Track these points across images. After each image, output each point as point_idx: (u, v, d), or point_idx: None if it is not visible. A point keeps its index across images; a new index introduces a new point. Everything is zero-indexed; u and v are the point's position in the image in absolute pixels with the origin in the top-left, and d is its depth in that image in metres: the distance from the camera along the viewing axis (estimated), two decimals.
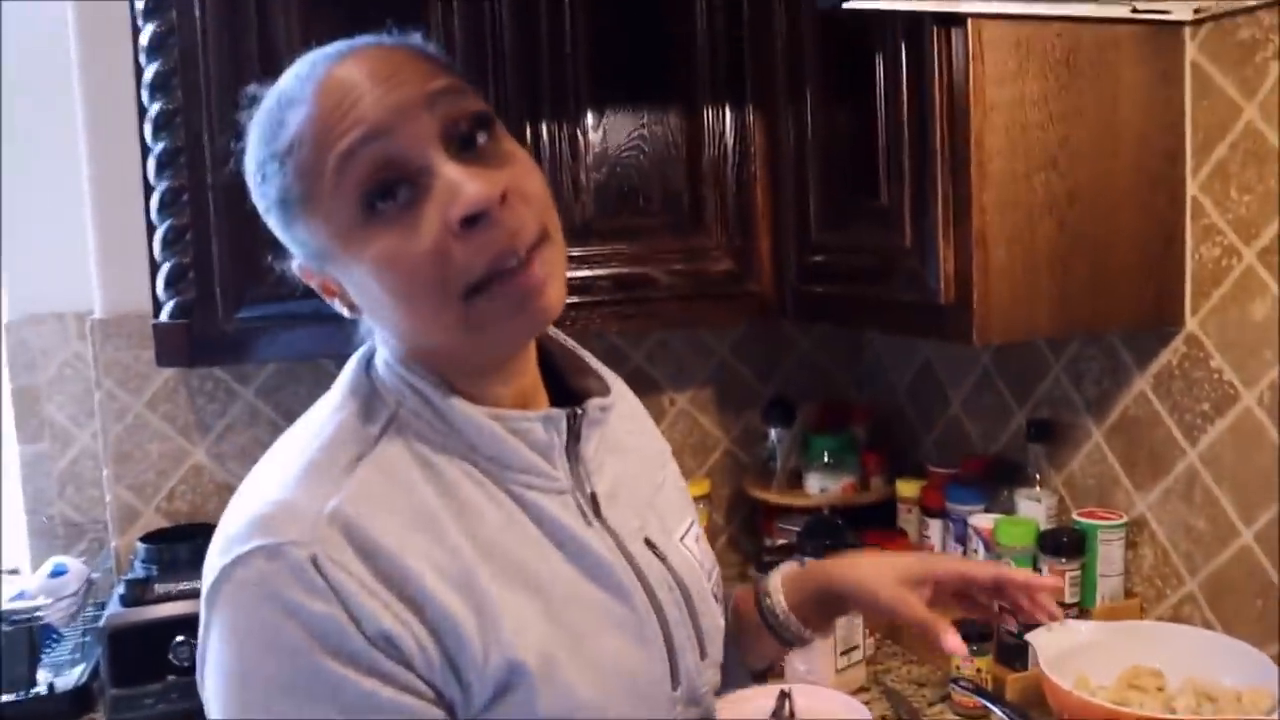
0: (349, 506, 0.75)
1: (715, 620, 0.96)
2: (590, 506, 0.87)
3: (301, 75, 0.78)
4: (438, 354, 0.82)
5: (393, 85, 0.75)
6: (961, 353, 1.98)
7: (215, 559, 0.75)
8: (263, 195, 0.80)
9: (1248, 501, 1.45)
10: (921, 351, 2.10)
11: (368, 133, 0.73)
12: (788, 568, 1.15)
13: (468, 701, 0.77)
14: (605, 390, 0.93)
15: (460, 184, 0.73)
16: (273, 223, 0.82)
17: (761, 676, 1.29)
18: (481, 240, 0.74)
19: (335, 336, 1.58)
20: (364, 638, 0.72)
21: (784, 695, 1.47)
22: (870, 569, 1.05)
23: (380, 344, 0.86)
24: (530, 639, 0.78)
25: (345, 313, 0.85)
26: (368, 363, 0.87)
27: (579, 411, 0.88)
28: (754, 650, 1.13)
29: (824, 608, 1.08)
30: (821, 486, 1.98)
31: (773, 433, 2.12)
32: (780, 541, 1.95)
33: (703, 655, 0.92)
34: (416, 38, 0.82)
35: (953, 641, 0.98)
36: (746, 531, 2.22)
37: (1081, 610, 1.60)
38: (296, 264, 0.84)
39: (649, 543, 0.91)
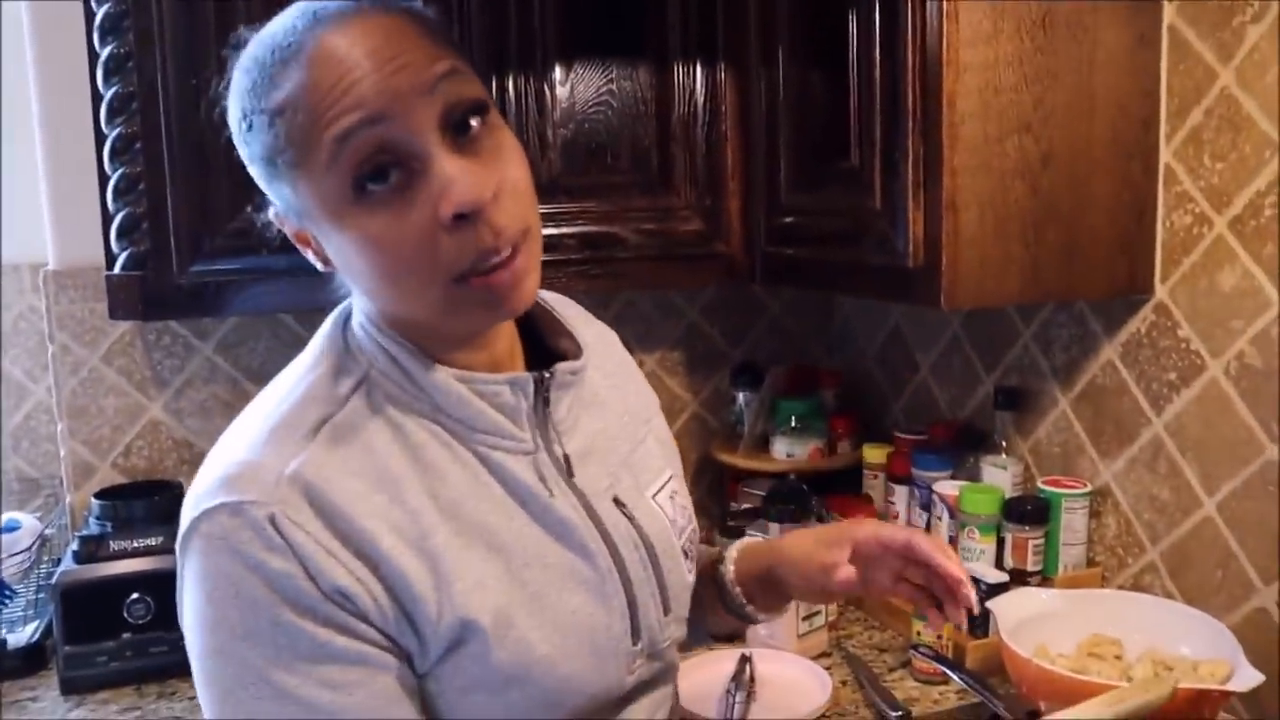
0: (310, 469, 0.78)
1: (682, 577, 0.98)
2: (561, 467, 0.89)
3: (298, 30, 0.76)
4: (413, 322, 0.84)
5: (395, 68, 0.74)
6: (931, 318, 1.97)
7: (186, 512, 0.79)
8: (246, 144, 0.80)
9: (1211, 472, 1.45)
10: (891, 317, 2.09)
11: (366, 117, 0.73)
12: (750, 539, 1.14)
13: (424, 653, 0.80)
14: (578, 352, 0.95)
15: (454, 180, 0.74)
16: (255, 172, 0.82)
17: (728, 640, 1.28)
18: (469, 235, 0.75)
19: (296, 291, 1.58)
20: (320, 592, 0.75)
21: (744, 659, 1.47)
22: (793, 540, 1.10)
23: (355, 303, 0.88)
24: (486, 597, 0.81)
25: (319, 265, 0.85)
26: (345, 323, 0.89)
27: (547, 375, 0.89)
28: (712, 616, 1.13)
29: (767, 586, 1.10)
30: (788, 451, 1.97)
31: (740, 396, 2.11)
32: (745, 506, 1.94)
33: (666, 611, 0.94)
34: (418, 3, 0.81)
35: (843, 574, 1.01)
36: (713, 495, 2.21)
37: (1044, 579, 1.60)
38: (271, 211, 0.85)
39: (617, 501, 0.93)
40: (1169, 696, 1.10)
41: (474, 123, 0.77)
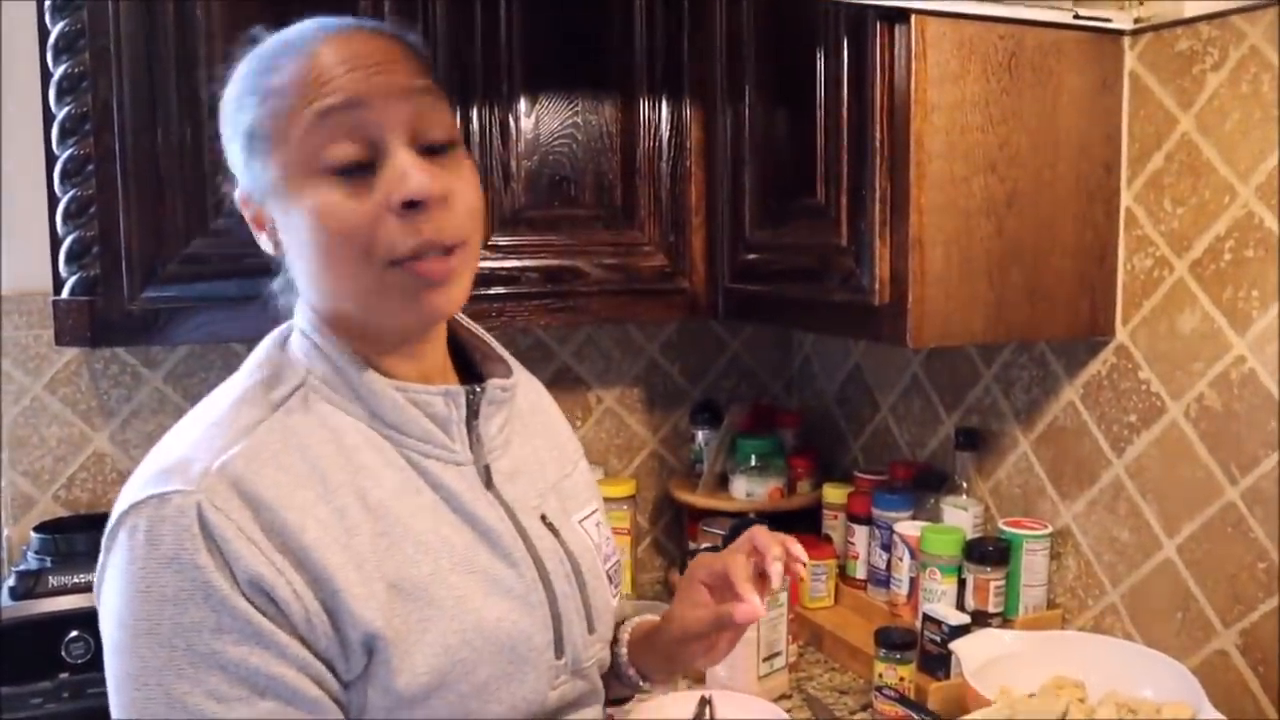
0: (239, 461, 0.79)
1: (606, 598, 1.00)
2: (489, 480, 0.92)
3: (305, 34, 0.84)
4: (348, 322, 0.87)
5: (382, 69, 0.82)
6: (892, 358, 1.97)
7: (115, 509, 0.81)
8: (232, 124, 0.85)
9: (1171, 514, 1.45)
10: (851, 356, 2.09)
11: (346, 101, 0.80)
12: (642, 619, 1.14)
13: (346, 655, 0.80)
14: (509, 375, 0.98)
15: (409, 171, 0.80)
16: (234, 151, 0.86)
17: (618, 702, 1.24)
18: (414, 225, 0.80)
19: (249, 320, 1.53)
20: (235, 584, 0.76)
21: (704, 701, 1.44)
22: (665, 617, 1.07)
23: (298, 313, 0.91)
24: (409, 597, 0.82)
25: (268, 249, 0.89)
26: (284, 340, 0.91)
27: (478, 390, 0.93)
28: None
29: (659, 660, 1.08)
30: (748, 491, 1.96)
31: (700, 435, 2.09)
32: (705, 545, 1.91)
33: (590, 629, 0.96)
34: (413, 36, 0.89)
35: (739, 613, 0.94)
36: (671, 535, 2.18)
37: (1005, 620, 1.59)
38: (238, 192, 0.88)
39: (544, 519, 0.95)
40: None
41: (442, 150, 0.84)
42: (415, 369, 0.90)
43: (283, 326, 0.93)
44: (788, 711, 1.48)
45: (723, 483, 2.01)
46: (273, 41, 0.86)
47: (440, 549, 0.85)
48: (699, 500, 2.00)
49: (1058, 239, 1.43)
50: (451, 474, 0.89)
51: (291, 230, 0.84)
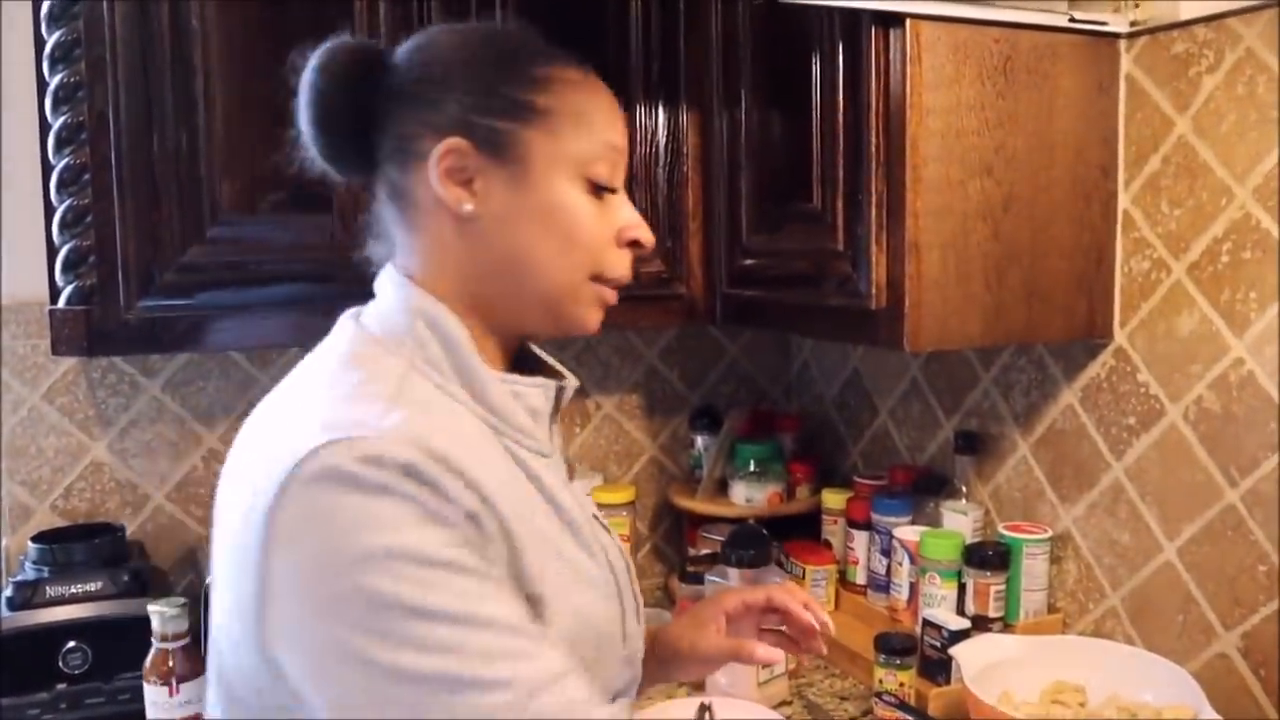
0: (409, 423, 0.77)
1: (639, 596, 1.04)
2: (566, 474, 0.97)
3: (543, 48, 0.93)
4: (479, 309, 0.90)
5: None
6: (891, 362, 1.97)
7: (275, 468, 0.75)
8: (479, 78, 0.89)
9: (1171, 517, 1.44)
10: (850, 360, 2.09)
11: (624, 149, 0.95)
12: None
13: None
14: (554, 373, 1.01)
15: (642, 223, 0.95)
16: (477, 106, 0.88)
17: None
18: (624, 259, 0.94)
19: (247, 328, 1.54)
20: (454, 510, 0.75)
21: (704, 708, 1.43)
22: (672, 630, 1.16)
23: (409, 294, 0.90)
24: (543, 573, 0.84)
25: (463, 207, 0.88)
26: (359, 322, 0.92)
27: (561, 386, 0.97)
28: None
29: (656, 658, 1.13)
30: (747, 496, 1.95)
31: (699, 440, 2.09)
32: (704, 551, 1.91)
33: (637, 620, 1.01)
34: None
35: (761, 653, 1.09)
36: (671, 541, 2.18)
37: (1005, 625, 1.59)
38: (453, 141, 0.87)
39: (595, 516, 1.01)
40: None
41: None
42: (501, 366, 0.94)
43: (351, 311, 0.93)
44: (788, 718, 1.47)
45: (722, 488, 2.01)
46: (540, 43, 0.94)
47: (539, 534, 0.86)
48: (698, 506, 1.99)
49: (1055, 242, 1.43)
50: (540, 465, 0.91)
51: (526, 206, 0.89)
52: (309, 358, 0.91)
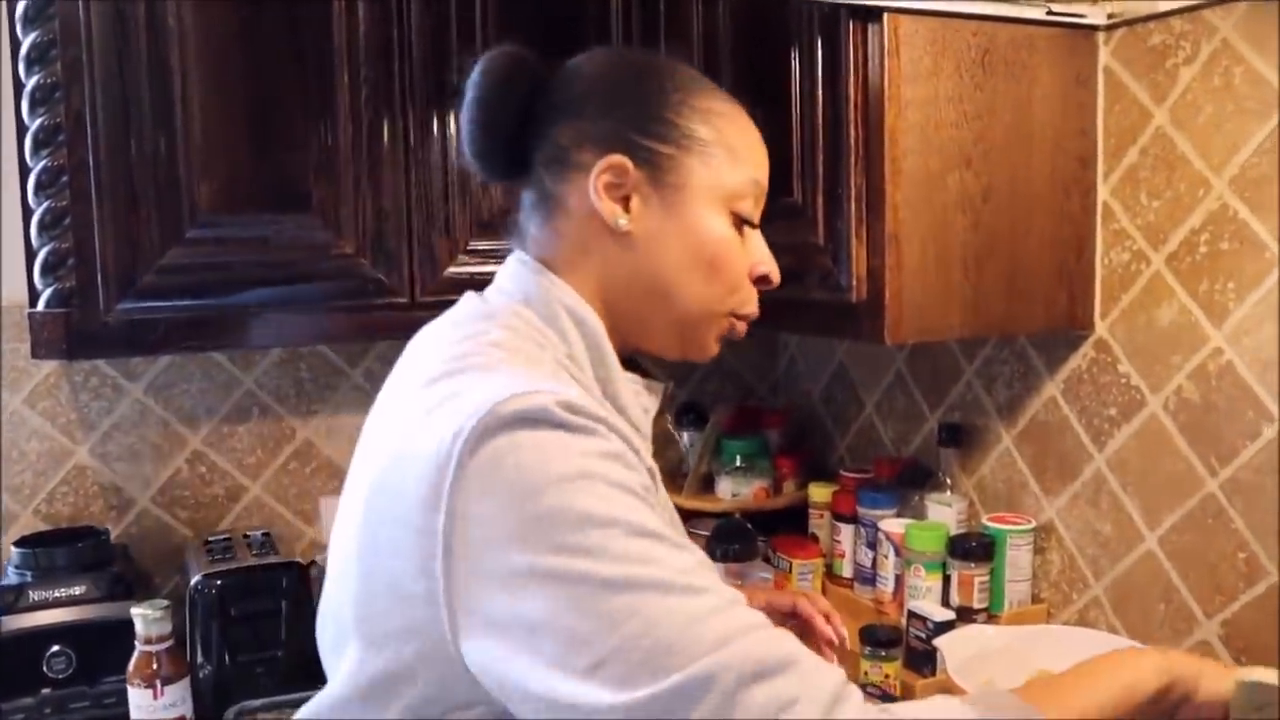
0: (573, 395, 0.78)
1: None
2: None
3: (703, 80, 0.98)
4: (616, 317, 0.93)
5: None
6: (876, 357, 1.97)
7: (462, 417, 0.75)
8: (652, 114, 0.92)
9: (1152, 506, 1.45)
10: (836, 355, 2.09)
11: (766, 185, 0.99)
12: None
13: None
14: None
15: (773, 261, 0.99)
16: (640, 128, 0.92)
17: None
18: (754, 295, 0.98)
19: (229, 330, 1.54)
20: (641, 462, 0.79)
21: None
22: None
23: (558, 290, 0.91)
24: None
25: (618, 222, 0.91)
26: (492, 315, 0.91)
27: (665, 387, 1.00)
28: None
29: None
30: (734, 491, 1.95)
31: (685, 436, 2.09)
32: None
33: None
34: None
35: None
36: None
37: (990, 615, 1.59)
38: (616, 159, 0.91)
39: None
40: None
41: None
42: None
43: (487, 308, 0.92)
44: None
45: (708, 484, 2.01)
46: (700, 75, 0.99)
47: (676, 528, 0.89)
48: (684, 502, 1.99)
49: (1034, 233, 1.43)
50: (650, 461, 0.90)
51: (676, 230, 0.92)
52: (435, 337, 0.91)
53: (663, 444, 2.17)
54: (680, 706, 0.69)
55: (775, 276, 0.99)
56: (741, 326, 0.98)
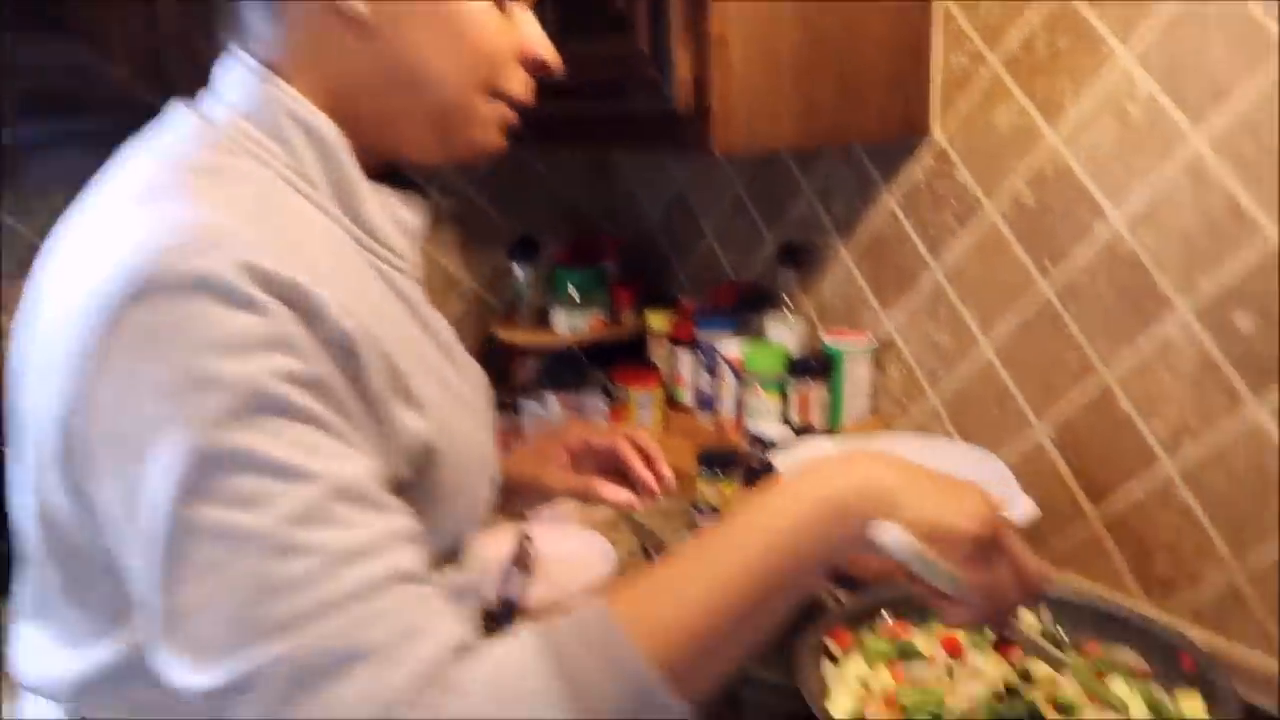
0: (280, 235, 0.70)
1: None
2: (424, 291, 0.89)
3: None
4: (366, 121, 0.81)
5: None
6: (714, 180, 1.90)
7: (118, 273, 0.64)
8: None
9: (989, 314, 1.44)
10: (674, 180, 2.01)
11: None
12: None
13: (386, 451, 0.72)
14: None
15: (548, 42, 0.86)
16: None
17: None
18: (526, 79, 0.86)
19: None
20: (329, 332, 0.67)
21: (525, 537, 1.39)
22: (513, 461, 1.12)
23: (283, 95, 0.78)
24: (434, 404, 0.77)
25: (354, 6, 0.76)
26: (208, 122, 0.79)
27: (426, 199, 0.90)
28: None
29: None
30: (570, 324, 1.88)
31: (519, 270, 2.00)
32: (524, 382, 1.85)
33: (492, 443, 0.95)
34: None
35: (608, 493, 1.09)
36: (497, 378, 2.10)
37: (830, 433, 1.58)
38: None
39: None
40: None
41: None
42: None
43: (184, 103, 0.81)
44: (612, 540, 1.44)
45: (544, 318, 1.93)
46: None
47: (423, 358, 0.81)
48: (520, 337, 1.92)
49: (869, 35, 1.36)
50: (408, 285, 0.84)
51: (419, 11, 0.79)
52: (133, 157, 0.77)
53: (495, 279, 2.08)
54: (227, 706, 0.62)
55: (553, 59, 0.86)
56: (510, 113, 0.86)
